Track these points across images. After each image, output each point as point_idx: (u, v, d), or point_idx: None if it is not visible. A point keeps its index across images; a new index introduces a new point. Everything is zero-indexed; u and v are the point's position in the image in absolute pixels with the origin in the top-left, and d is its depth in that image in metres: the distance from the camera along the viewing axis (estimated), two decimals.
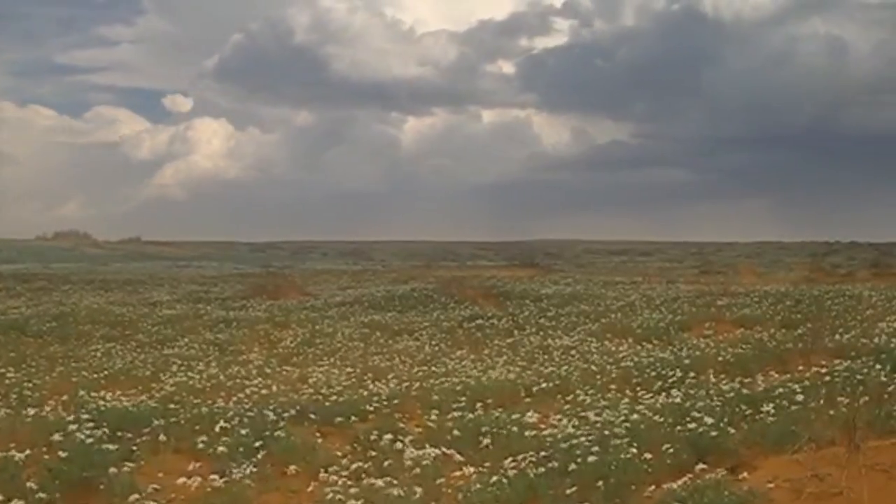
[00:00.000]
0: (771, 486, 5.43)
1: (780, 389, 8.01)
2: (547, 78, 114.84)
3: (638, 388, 9.39)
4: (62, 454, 6.74)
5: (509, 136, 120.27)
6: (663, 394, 8.66)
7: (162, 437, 7.56)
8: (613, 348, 12.69)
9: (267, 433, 7.50)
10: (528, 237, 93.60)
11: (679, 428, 7.01)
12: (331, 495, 5.61)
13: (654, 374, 10.11)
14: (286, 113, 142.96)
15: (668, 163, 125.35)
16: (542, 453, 6.51)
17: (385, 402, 9.19)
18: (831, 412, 6.94)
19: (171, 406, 8.75)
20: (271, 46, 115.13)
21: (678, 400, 8.04)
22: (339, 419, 8.46)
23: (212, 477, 6.13)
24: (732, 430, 7.02)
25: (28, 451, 6.68)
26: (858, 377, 8.32)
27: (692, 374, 9.52)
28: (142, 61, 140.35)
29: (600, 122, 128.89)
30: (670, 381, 9.50)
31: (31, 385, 10.31)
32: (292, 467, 6.52)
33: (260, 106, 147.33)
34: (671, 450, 6.50)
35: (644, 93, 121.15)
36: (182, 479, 6.17)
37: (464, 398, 9.04)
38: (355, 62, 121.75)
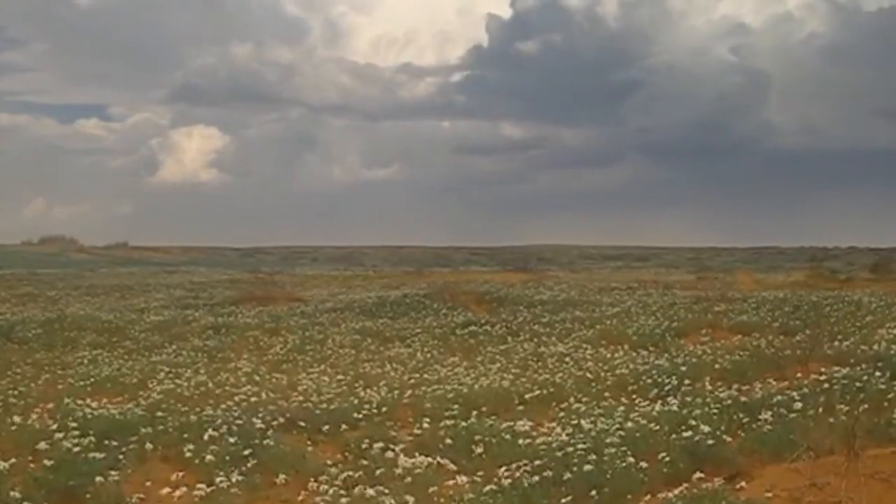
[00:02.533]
0: (769, 495, 5.41)
1: (779, 397, 7.98)
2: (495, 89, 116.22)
3: (633, 396, 9.31)
4: (47, 463, 6.68)
5: (476, 142, 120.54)
6: (659, 401, 8.58)
7: (149, 446, 7.49)
8: (609, 355, 12.57)
9: (256, 441, 7.40)
10: (521, 242, 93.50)
11: (675, 436, 6.96)
12: None
13: (649, 381, 10.02)
14: (251, 120, 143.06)
15: (656, 164, 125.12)
16: (537, 462, 6.43)
17: (376, 410, 9.09)
18: (830, 420, 6.90)
19: (159, 414, 8.64)
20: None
21: (674, 408, 7.97)
22: (329, 427, 8.36)
23: (199, 486, 6.02)
24: (730, 439, 7.00)
25: (13, 460, 6.61)
26: (858, 384, 8.29)
27: (688, 382, 9.42)
28: (67, 83, 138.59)
29: (557, 128, 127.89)
30: (666, 388, 9.42)
31: (16, 392, 10.18)
32: (281, 476, 6.43)
33: (227, 114, 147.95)
34: (667, 458, 6.47)
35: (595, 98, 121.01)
36: (168, 489, 6.06)
37: (456, 406, 8.94)
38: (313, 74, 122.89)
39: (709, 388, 9.02)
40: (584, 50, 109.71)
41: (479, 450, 7.14)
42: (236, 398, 9.47)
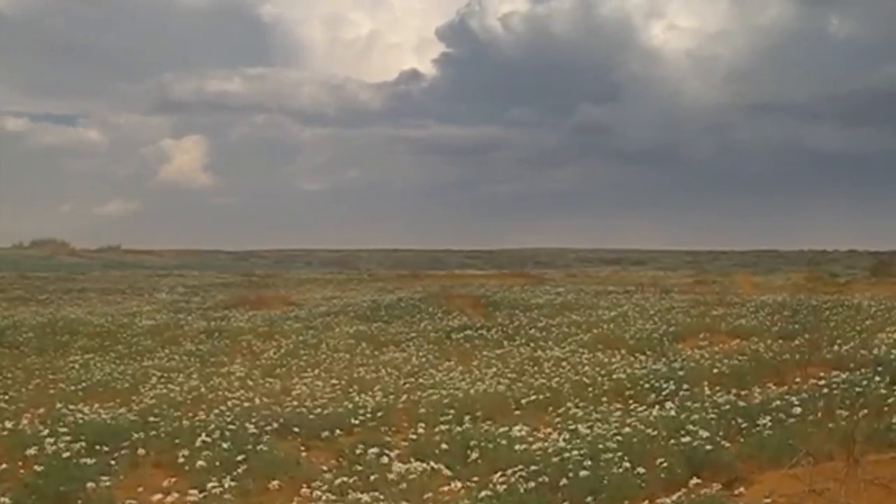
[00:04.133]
0: (768, 501, 5.36)
1: (777, 402, 7.93)
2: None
3: (631, 401, 9.24)
4: (38, 468, 6.62)
5: (474, 144, 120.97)
6: (657, 406, 8.53)
7: (141, 451, 7.41)
8: (605, 360, 12.54)
9: (249, 447, 7.35)
10: (518, 245, 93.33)
11: (673, 441, 6.90)
12: None
13: (647, 386, 9.97)
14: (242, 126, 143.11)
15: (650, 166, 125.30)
16: (533, 467, 6.39)
17: (371, 415, 9.03)
18: (830, 425, 6.87)
19: (151, 419, 8.57)
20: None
21: (672, 413, 7.92)
22: (323, 432, 8.30)
23: (191, 491, 5.95)
24: (728, 444, 6.96)
25: (4, 465, 6.61)
26: (857, 389, 8.28)
27: (686, 387, 9.38)
28: (31, 95, 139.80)
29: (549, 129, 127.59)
30: (664, 393, 9.38)
31: (6, 397, 10.11)
32: (275, 482, 6.35)
33: (217, 121, 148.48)
34: (665, 464, 6.42)
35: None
36: (160, 494, 5.99)
37: (452, 411, 8.90)
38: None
39: (707, 392, 8.98)
40: (570, 49, 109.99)
41: (475, 455, 7.11)
42: (229, 403, 9.41)
